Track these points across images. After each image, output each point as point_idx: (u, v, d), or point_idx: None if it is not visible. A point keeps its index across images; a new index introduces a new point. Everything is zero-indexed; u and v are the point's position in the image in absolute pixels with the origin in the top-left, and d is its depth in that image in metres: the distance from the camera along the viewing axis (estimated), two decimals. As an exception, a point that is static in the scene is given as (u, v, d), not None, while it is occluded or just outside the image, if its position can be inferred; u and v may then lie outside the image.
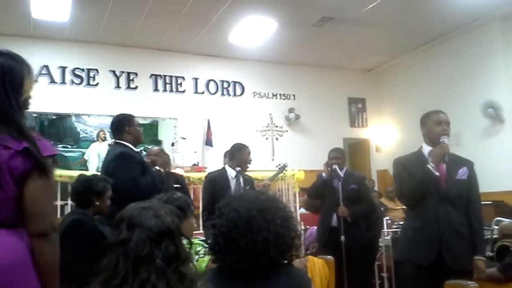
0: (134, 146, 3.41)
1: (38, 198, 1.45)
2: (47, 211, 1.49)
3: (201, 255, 2.13)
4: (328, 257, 2.24)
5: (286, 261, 1.57)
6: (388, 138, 9.81)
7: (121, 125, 3.35)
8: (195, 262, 2.14)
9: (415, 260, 2.80)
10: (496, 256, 3.56)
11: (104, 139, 8.20)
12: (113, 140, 3.51)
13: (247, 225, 1.49)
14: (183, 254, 1.35)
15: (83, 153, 8.44)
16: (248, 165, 4.04)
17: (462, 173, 2.86)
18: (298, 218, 6.33)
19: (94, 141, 8.33)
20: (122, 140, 3.32)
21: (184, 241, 1.59)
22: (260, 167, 6.51)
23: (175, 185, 4.31)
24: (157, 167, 3.50)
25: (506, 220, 4.36)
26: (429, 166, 2.75)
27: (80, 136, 8.96)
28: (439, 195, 2.80)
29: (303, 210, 6.79)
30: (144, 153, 5.18)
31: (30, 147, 1.44)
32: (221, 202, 1.62)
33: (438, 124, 2.89)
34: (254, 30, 7.71)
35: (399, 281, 3.96)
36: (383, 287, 5.20)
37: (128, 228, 1.26)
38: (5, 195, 1.41)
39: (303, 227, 6.04)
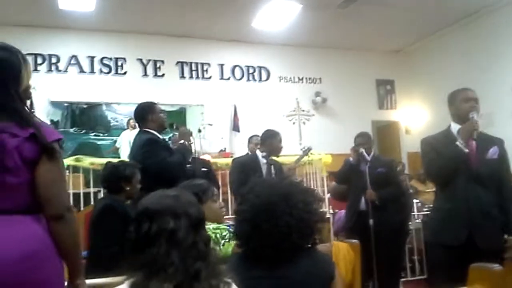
0: (159, 133, 3.48)
1: (50, 182, 1.50)
2: (59, 193, 1.54)
3: (227, 240, 2.15)
4: (353, 241, 2.22)
5: (309, 245, 1.58)
6: (418, 119, 9.62)
7: (144, 114, 3.42)
8: (221, 246, 2.18)
9: (445, 241, 2.75)
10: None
11: (134, 127, 8.30)
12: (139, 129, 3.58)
13: (269, 210, 1.50)
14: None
15: (115, 141, 8.62)
16: (280, 151, 4.04)
17: (493, 152, 2.78)
18: (327, 202, 6.32)
19: (125, 129, 8.48)
20: (147, 128, 3.39)
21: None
22: (287, 152, 6.50)
23: (202, 169, 4.38)
24: (181, 141, 3.57)
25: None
26: (458, 143, 2.69)
27: (111, 124, 9.16)
28: (469, 174, 2.73)
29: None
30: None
31: (37, 133, 1.49)
32: (244, 188, 1.64)
33: (466, 101, 2.81)
34: (278, 14, 7.65)
35: (430, 263, 3.92)
36: (415, 270, 5.18)
37: (174, 218, 1.26)
38: (20, 180, 1.47)
39: (331, 211, 6.03)
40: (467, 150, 2.67)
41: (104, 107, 8.79)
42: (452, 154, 2.71)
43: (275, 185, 1.60)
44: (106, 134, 9.04)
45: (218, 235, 2.17)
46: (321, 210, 1.61)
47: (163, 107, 8.26)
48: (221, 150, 7.85)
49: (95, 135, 8.99)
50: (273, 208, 1.50)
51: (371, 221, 3.98)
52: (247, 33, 8.55)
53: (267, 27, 8.19)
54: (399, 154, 9.65)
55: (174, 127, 3.63)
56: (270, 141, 4.13)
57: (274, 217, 1.48)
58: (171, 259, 1.21)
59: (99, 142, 8.85)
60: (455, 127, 2.88)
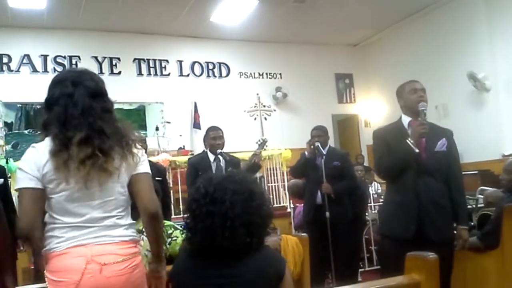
0: None
1: None
2: None
3: (174, 238, 2.11)
4: (302, 234, 2.23)
5: (259, 243, 1.56)
6: (376, 112, 9.80)
7: None
8: (167, 245, 2.14)
9: (395, 234, 2.77)
10: (477, 225, 3.58)
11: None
12: None
13: (219, 206, 1.49)
14: None
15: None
16: (217, 146, 3.97)
17: (441, 144, 2.81)
18: (287, 197, 6.36)
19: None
20: None
21: None
22: (250, 148, 6.49)
23: (156, 178, 4.27)
24: None
25: (489, 189, 4.37)
26: (408, 142, 2.70)
27: (67, 125, 8.87)
28: (419, 168, 2.76)
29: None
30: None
31: None
32: (194, 185, 1.62)
33: (414, 92, 2.81)
34: (235, 8, 7.63)
35: (381, 255, 3.98)
36: (372, 260, 5.27)
37: (72, 85, 1.68)
38: None
39: (292, 206, 6.07)
40: (417, 150, 2.69)
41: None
42: (403, 154, 2.72)
43: (225, 181, 1.57)
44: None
45: (164, 234, 2.13)
46: (270, 207, 1.59)
47: (121, 106, 8.26)
48: (180, 148, 7.77)
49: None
50: (224, 204, 1.49)
51: (327, 214, 4.02)
52: (206, 29, 8.48)
53: (226, 22, 8.16)
54: (359, 147, 9.82)
55: None
56: (205, 138, 4.14)
57: (224, 212, 1.47)
58: (70, 113, 1.58)
59: (54, 144, 8.58)
60: (405, 120, 2.90)
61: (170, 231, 2.13)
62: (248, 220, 1.48)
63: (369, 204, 5.02)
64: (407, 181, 2.77)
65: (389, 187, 3.10)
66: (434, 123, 2.92)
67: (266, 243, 2.12)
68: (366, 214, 4.88)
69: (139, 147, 1.71)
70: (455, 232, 2.77)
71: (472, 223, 3.68)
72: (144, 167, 1.69)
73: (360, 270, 4.84)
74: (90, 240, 1.56)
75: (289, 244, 2.16)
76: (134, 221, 1.71)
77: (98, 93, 1.67)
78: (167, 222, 2.19)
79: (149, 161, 3.80)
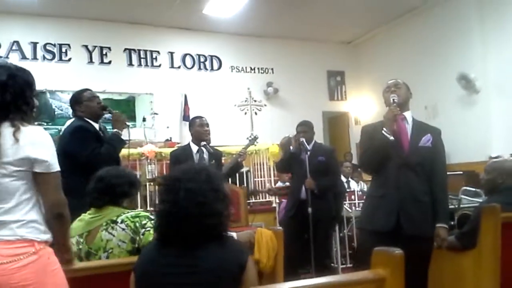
0: (95, 121, 3.35)
1: None
2: None
3: (148, 229, 2.09)
4: (277, 228, 2.22)
5: (221, 234, 1.57)
6: (367, 110, 9.80)
7: (72, 106, 3.32)
8: (141, 236, 2.12)
9: (373, 227, 2.79)
10: (457, 225, 3.59)
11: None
12: None
13: (176, 193, 1.51)
14: None
15: (60, 130, 8.30)
16: (205, 137, 3.96)
17: (426, 140, 2.81)
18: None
19: (70, 118, 8.16)
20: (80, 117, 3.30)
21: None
22: (239, 142, 6.48)
23: None
24: (114, 130, 3.40)
25: (472, 189, 4.39)
26: (383, 131, 2.72)
27: (56, 113, 8.79)
28: (400, 161, 2.77)
29: (280, 184, 6.81)
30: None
31: None
32: (165, 175, 1.66)
33: (387, 90, 2.89)
34: (228, 1, 7.60)
35: (358, 247, 3.98)
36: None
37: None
38: None
39: (277, 201, 6.07)
40: (392, 138, 2.71)
41: (48, 95, 8.42)
42: (378, 143, 2.75)
43: (188, 170, 1.60)
44: (50, 123, 8.68)
45: (137, 224, 2.11)
46: (228, 197, 1.60)
47: (110, 96, 8.19)
48: (167, 140, 7.74)
49: (39, 124, 8.56)
50: (189, 195, 1.51)
51: (309, 209, 4.01)
52: (198, 21, 8.41)
53: (219, 14, 8.10)
54: (348, 144, 9.83)
55: (108, 111, 3.43)
56: (191, 129, 4.13)
57: (190, 203, 1.49)
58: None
59: (42, 132, 8.51)
60: None
61: (144, 222, 2.10)
62: (207, 209, 1.50)
63: (353, 202, 5.03)
64: (389, 175, 2.79)
65: (371, 182, 3.12)
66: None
67: (239, 235, 2.14)
68: (350, 211, 4.89)
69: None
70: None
71: (452, 223, 3.69)
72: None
73: (342, 266, 4.85)
74: None
75: (263, 237, 2.15)
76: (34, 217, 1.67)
77: None
78: (142, 213, 2.17)
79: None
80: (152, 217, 2.21)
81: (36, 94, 1.82)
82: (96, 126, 3.37)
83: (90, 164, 2.99)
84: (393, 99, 2.78)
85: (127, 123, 3.53)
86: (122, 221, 2.10)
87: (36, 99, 1.83)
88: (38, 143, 1.67)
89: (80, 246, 2.10)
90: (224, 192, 1.59)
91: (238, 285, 1.49)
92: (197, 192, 1.50)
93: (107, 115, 3.62)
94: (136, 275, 1.56)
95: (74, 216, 2.18)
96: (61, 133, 3.47)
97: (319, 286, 1.33)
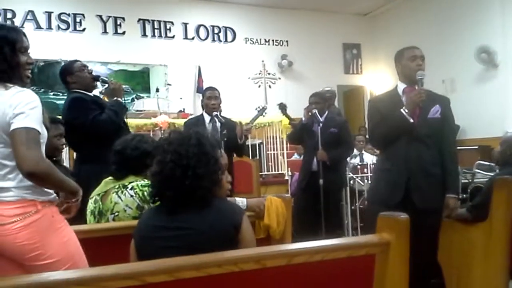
0: (89, 92, 3.26)
1: None
2: None
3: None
4: (286, 195, 2.23)
5: (210, 197, 1.57)
6: (383, 84, 9.63)
7: (63, 77, 3.21)
8: (151, 204, 2.13)
9: (382, 200, 2.77)
10: (470, 198, 3.56)
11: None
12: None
13: (172, 155, 1.53)
14: None
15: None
16: (211, 106, 3.92)
17: (435, 111, 2.74)
18: (286, 164, 6.36)
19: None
20: (72, 89, 3.21)
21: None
22: (252, 115, 6.45)
23: None
24: (114, 98, 3.34)
25: (485, 163, 4.34)
26: (403, 111, 2.65)
27: (71, 83, 8.86)
28: (410, 134, 2.72)
29: (296, 156, 6.80)
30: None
31: None
32: (165, 140, 1.65)
33: (413, 59, 2.74)
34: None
35: (366, 219, 3.98)
36: (366, 230, 5.29)
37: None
38: None
39: (289, 173, 6.08)
40: (412, 120, 2.65)
41: (62, 65, 8.49)
42: (396, 123, 2.68)
43: (182, 135, 1.62)
44: (65, 94, 8.75)
45: (145, 193, 2.12)
46: (218, 162, 1.61)
47: (125, 67, 8.19)
48: (180, 111, 7.76)
49: (54, 95, 8.67)
50: (186, 158, 1.52)
51: (321, 181, 4.01)
52: (212, -9, 8.32)
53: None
54: (363, 119, 9.72)
55: (100, 80, 3.35)
56: (202, 100, 4.09)
57: (169, 161, 1.52)
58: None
59: (58, 102, 8.56)
60: (401, 87, 2.84)
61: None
62: (190, 172, 1.51)
63: (366, 174, 5.00)
64: (398, 148, 2.75)
65: (380, 156, 3.08)
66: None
67: (250, 201, 2.16)
68: (362, 184, 4.88)
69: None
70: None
71: (465, 195, 3.66)
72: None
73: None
74: None
75: (273, 204, 2.17)
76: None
77: None
78: (144, 182, 2.17)
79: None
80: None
81: (23, 51, 1.68)
82: (91, 95, 3.31)
83: (96, 131, 3.01)
84: (421, 79, 2.67)
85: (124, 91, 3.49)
86: (132, 188, 2.12)
87: (26, 56, 1.70)
88: (15, 105, 1.57)
89: (96, 205, 2.15)
90: (215, 158, 1.58)
91: (236, 245, 1.50)
92: (182, 155, 1.51)
93: (101, 86, 3.59)
94: (135, 240, 1.58)
95: (99, 182, 2.23)
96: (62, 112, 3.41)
97: (323, 248, 1.33)
